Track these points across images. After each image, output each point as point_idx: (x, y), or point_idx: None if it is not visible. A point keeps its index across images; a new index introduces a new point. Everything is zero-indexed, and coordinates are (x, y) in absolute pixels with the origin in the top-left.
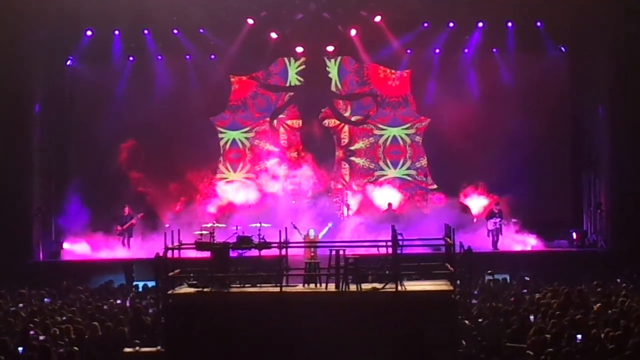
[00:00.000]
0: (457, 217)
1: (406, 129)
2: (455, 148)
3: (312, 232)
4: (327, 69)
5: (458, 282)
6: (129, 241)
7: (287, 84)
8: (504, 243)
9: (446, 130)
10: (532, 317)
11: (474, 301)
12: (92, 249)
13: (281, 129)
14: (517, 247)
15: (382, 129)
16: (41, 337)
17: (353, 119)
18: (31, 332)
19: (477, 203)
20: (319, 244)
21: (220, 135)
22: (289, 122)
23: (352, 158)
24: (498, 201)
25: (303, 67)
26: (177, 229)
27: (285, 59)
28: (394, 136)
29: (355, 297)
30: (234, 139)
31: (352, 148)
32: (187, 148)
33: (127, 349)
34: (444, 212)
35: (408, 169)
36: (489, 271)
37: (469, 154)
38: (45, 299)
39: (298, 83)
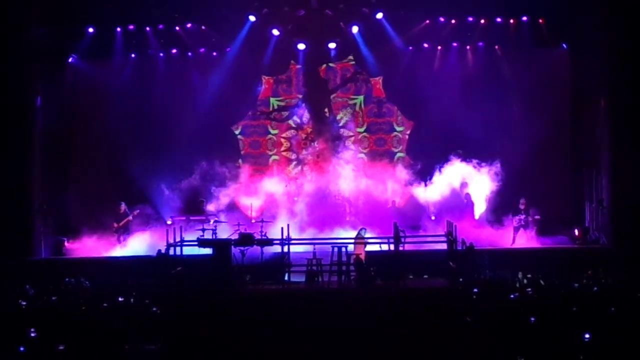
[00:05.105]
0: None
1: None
2: (451, 145)
3: (363, 232)
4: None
5: (460, 279)
6: (126, 238)
7: (272, 107)
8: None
9: (442, 127)
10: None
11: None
12: (95, 246)
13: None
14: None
15: (354, 98)
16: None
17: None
18: (31, 331)
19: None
20: (322, 241)
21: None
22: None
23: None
24: (523, 199)
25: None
26: (180, 225)
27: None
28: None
29: (357, 294)
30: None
31: (341, 124)
32: (190, 144)
33: (129, 346)
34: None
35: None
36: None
37: (467, 150)
38: (52, 297)
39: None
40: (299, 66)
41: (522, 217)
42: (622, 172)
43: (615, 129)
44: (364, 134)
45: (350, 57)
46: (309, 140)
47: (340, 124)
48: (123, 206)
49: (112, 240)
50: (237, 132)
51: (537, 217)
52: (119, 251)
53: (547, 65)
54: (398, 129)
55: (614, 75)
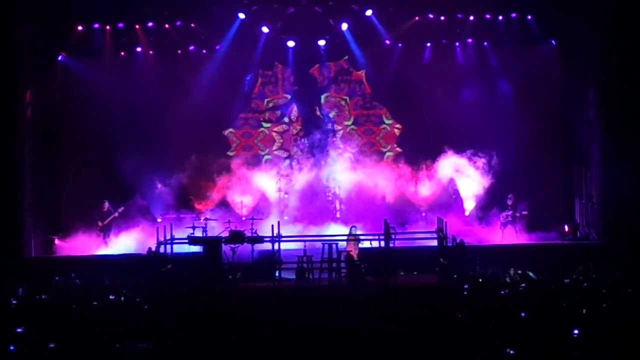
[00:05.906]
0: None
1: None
2: (440, 141)
3: (354, 230)
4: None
5: (451, 275)
6: (110, 236)
7: (265, 105)
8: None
9: (431, 123)
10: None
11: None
12: (85, 244)
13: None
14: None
15: (344, 98)
16: (29, 333)
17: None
18: (21, 329)
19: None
20: (313, 237)
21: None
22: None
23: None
24: (511, 195)
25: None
26: (170, 223)
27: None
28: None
29: (348, 291)
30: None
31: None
32: (180, 142)
33: (119, 345)
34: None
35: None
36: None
37: (457, 146)
38: (42, 296)
39: (271, 105)
40: (284, 66)
41: (509, 213)
42: (612, 168)
43: (605, 125)
44: (352, 126)
45: (346, 57)
46: (299, 137)
47: (330, 119)
48: (106, 204)
49: (99, 238)
50: (228, 129)
51: (524, 212)
52: (105, 249)
53: (536, 62)
54: (387, 121)
55: (603, 72)
